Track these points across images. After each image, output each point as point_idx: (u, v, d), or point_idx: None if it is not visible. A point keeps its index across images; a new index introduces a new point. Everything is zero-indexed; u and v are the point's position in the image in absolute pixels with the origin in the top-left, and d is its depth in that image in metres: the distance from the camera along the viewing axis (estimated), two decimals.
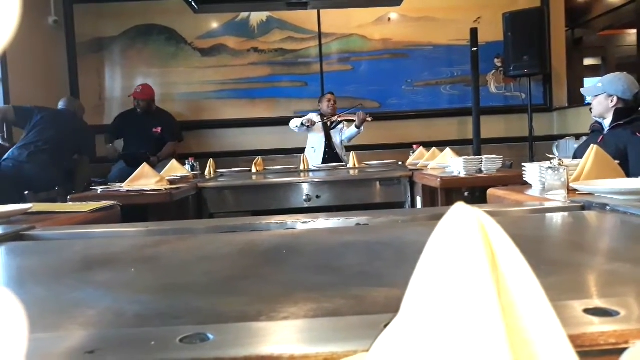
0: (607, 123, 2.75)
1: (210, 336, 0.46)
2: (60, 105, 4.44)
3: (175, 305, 0.64)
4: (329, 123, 4.56)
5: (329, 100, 4.62)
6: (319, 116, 4.62)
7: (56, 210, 1.72)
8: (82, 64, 5.40)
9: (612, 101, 2.70)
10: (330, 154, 4.53)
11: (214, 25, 5.43)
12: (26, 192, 2.47)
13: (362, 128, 4.49)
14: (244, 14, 5.39)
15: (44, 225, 1.40)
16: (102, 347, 0.46)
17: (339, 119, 4.53)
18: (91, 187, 2.89)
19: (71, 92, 5.38)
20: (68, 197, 2.39)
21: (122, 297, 0.69)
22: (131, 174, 2.72)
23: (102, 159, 4.90)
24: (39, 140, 3.96)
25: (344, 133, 4.61)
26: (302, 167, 4.01)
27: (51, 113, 4.21)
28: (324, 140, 4.55)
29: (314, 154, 4.52)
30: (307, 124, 4.41)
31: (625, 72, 2.83)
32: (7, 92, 4.33)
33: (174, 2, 4.83)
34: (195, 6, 2.92)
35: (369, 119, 4.44)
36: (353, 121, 4.52)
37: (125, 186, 2.61)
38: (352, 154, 4.12)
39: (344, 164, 4.32)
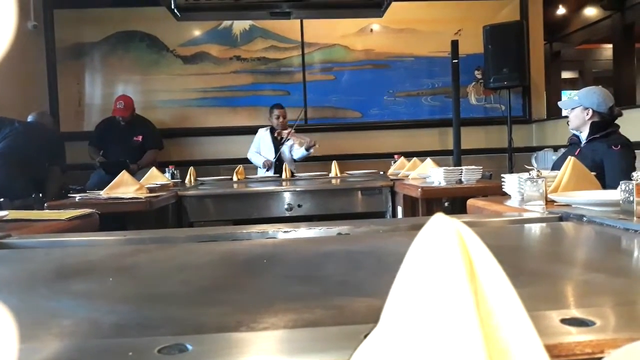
0: (583, 136, 2.80)
1: (189, 347, 0.46)
2: (30, 118, 4.34)
3: (154, 316, 0.63)
4: (279, 138, 4.60)
5: (278, 117, 4.65)
6: (269, 131, 4.70)
7: (33, 217, 1.69)
8: (61, 70, 5.34)
9: (587, 114, 2.75)
10: (280, 168, 4.54)
11: (197, 32, 5.42)
12: (1, 199, 2.42)
13: (312, 150, 4.51)
14: (226, 22, 5.40)
15: (20, 233, 1.38)
16: (79, 358, 0.45)
17: (289, 137, 4.54)
18: (69, 195, 2.84)
19: (50, 97, 5.31)
20: (45, 205, 2.35)
21: (99, 307, 0.68)
22: (110, 182, 2.69)
23: (75, 166, 4.83)
24: (9, 151, 3.86)
25: (294, 150, 4.61)
26: (284, 176, 4.01)
27: (21, 125, 4.11)
28: (273, 154, 4.60)
29: (264, 171, 4.60)
30: (267, 166, 4.54)
31: (600, 86, 2.90)
32: None
33: (156, 9, 4.81)
34: (178, 13, 2.91)
35: (316, 146, 4.47)
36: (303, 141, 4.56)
37: (103, 194, 2.58)
38: (334, 163, 4.14)
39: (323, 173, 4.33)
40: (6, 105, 4.43)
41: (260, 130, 4.80)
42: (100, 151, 4.81)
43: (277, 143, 4.60)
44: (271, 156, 4.60)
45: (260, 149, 4.72)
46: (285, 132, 4.56)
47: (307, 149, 4.47)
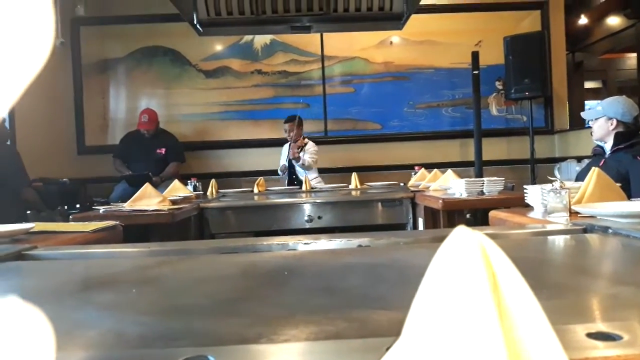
0: (608, 147, 2.76)
1: (212, 358, 0.46)
2: None
3: (177, 327, 0.64)
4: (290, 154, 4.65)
5: (285, 131, 4.68)
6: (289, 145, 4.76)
7: (58, 229, 1.72)
8: (87, 85, 5.46)
9: (612, 124, 2.71)
10: (297, 180, 4.59)
11: (218, 47, 5.50)
12: (28, 212, 2.46)
13: (302, 161, 4.53)
14: (248, 37, 5.47)
15: (46, 244, 1.40)
16: None
17: (299, 145, 4.59)
18: (93, 207, 2.89)
19: (76, 112, 5.43)
20: (70, 217, 2.39)
21: (123, 318, 0.69)
22: (133, 194, 2.72)
23: (99, 179, 4.91)
24: None
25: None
26: (304, 188, 4.02)
27: None
28: (287, 166, 4.66)
29: (281, 176, 4.71)
30: (284, 171, 4.65)
31: (624, 95, 2.85)
32: (12, 113, 4.37)
33: (178, 25, 4.89)
34: (200, 29, 2.96)
35: (296, 151, 4.50)
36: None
37: (127, 206, 2.62)
38: (354, 175, 4.13)
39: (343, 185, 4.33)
40: (33, 120, 4.54)
41: (285, 145, 4.85)
42: (126, 164, 4.90)
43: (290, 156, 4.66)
44: (286, 167, 4.69)
45: (285, 161, 4.78)
46: (295, 146, 4.60)
47: (296, 161, 4.54)
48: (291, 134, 4.64)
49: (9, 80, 0.27)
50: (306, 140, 4.70)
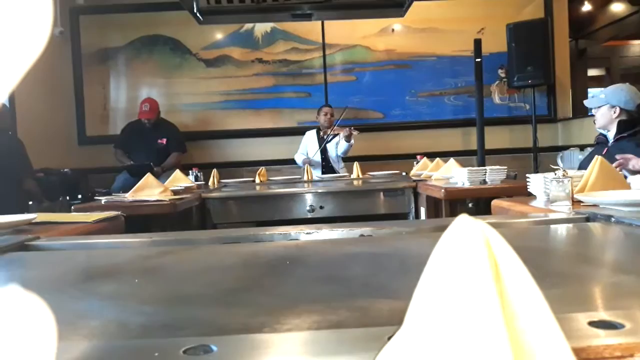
0: (611, 135, 2.75)
1: (214, 348, 0.46)
2: None
3: (179, 317, 0.64)
4: (323, 136, 4.64)
5: (325, 114, 4.73)
6: (315, 131, 4.78)
7: (60, 220, 1.72)
8: (87, 74, 5.45)
9: (615, 112, 2.69)
10: (327, 167, 4.63)
11: (219, 36, 5.47)
12: (30, 202, 2.46)
13: (352, 141, 4.56)
14: (248, 25, 5.43)
15: (48, 235, 1.41)
16: (106, 358, 0.45)
17: (333, 132, 4.59)
18: (95, 198, 2.89)
19: (76, 102, 5.42)
20: (72, 207, 2.40)
21: (125, 308, 0.69)
22: (135, 185, 2.72)
23: (101, 169, 4.91)
24: None
25: (339, 146, 4.65)
26: (305, 178, 4.02)
27: None
28: (320, 154, 4.65)
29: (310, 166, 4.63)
30: (307, 162, 4.59)
31: (627, 83, 2.83)
32: (12, 103, 4.36)
33: (178, 13, 4.88)
34: (200, 17, 2.94)
35: (355, 132, 4.48)
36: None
37: (129, 196, 2.62)
38: (355, 165, 4.13)
39: (344, 175, 4.36)
40: (34, 111, 4.53)
41: (307, 133, 4.86)
42: (127, 154, 4.90)
43: (322, 141, 4.66)
44: (317, 156, 4.69)
45: (307, 150, 4.78)
46: (329, 130, 4.63)
47: (347, 140, 4.52)
48: (332, 118, 4.69)
49: (7, 69, 0.27)
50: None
